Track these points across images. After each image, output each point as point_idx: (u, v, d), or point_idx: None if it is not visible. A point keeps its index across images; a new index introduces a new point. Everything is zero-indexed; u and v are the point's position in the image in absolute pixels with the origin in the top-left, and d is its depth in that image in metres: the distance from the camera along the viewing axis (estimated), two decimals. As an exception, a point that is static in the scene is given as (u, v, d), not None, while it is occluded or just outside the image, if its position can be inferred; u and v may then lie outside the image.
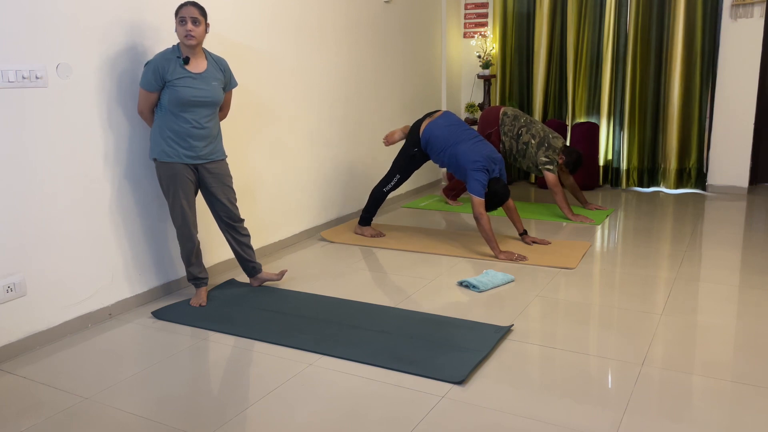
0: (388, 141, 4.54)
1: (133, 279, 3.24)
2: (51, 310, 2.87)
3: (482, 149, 4.02)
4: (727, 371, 2.43)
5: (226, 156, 3.29)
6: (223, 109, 3.30)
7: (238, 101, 3.82)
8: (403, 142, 4.55)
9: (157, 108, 3.05)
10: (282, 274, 3.51)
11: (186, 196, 3.12)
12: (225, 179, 3.25)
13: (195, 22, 2.95)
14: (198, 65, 3.04)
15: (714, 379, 2.38)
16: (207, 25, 3.03)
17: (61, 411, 2.27)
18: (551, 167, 4.79)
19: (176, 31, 2.97)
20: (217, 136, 3.20)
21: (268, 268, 3.84)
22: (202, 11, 2.99)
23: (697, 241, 4.22)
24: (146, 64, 3.00)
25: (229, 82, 3.22)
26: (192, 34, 2.94)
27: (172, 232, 3.42)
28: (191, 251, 3.23)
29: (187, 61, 3.00)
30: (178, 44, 3.04)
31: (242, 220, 3.38)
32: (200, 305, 3.22)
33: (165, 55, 3.00)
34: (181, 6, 2.96)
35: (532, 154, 4.87)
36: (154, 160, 3.09)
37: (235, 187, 3.83)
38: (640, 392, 2.29)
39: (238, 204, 3.86)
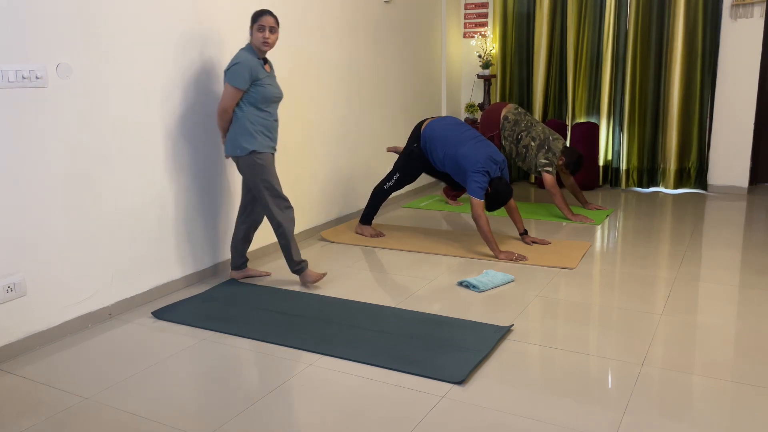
0: (392, 149, 4.73)
1: (133, 279, 3.24)
2: (51, 310, 2.86)
3: (483, 150, 4.01)
4: (727, 371, 2.43)
5: None
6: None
7: (238, 101, 3.82)
8: (402, 142, 4.56)
9: (240, 106, 3.27)
10: (266, 274, 3.68)
11: (278, 183, 3.39)
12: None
13: (272, 30, 3.25)
14: (268, 66, 3.38)
15: (714, 379, 2.38)
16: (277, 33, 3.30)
17: (61, 411, 2.27)
18: (549, 169, 4.79)
19: (252, 36, 3.25)
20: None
21: (269, 268, 3.84)
22: (277, 21, 3.29)
23: (697, 241, 4.22)
24: (236, 64, 3.20)
25: None
26: (268, 41, 3.24)
27: (171, 232, 3.42)
28: (291, 232, 3.43)
29: (265, 61, 3.34)
30: (248, 45, 3.28)
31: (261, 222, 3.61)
32: (317, 280, 3.48)
33: (249, 55, 3.24)
34: (260, 14, 3.24)
35: (532, 156, 4.88)
36: (252, 152, 3.26)
37: (235, 186, 3.85)
38: (640, 392, 2.29)
39: (238, 203, 3.87)
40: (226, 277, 3.70)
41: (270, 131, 3.35)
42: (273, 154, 3.38)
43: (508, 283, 3.48)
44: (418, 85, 5.99)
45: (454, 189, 5.33)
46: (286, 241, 3.43)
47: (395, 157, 4.80)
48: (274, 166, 3.37)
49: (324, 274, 3.52)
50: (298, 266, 3.47)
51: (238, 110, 3.27)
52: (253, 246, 4.02)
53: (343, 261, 3.98)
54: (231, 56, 3.73)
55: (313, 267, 3.86)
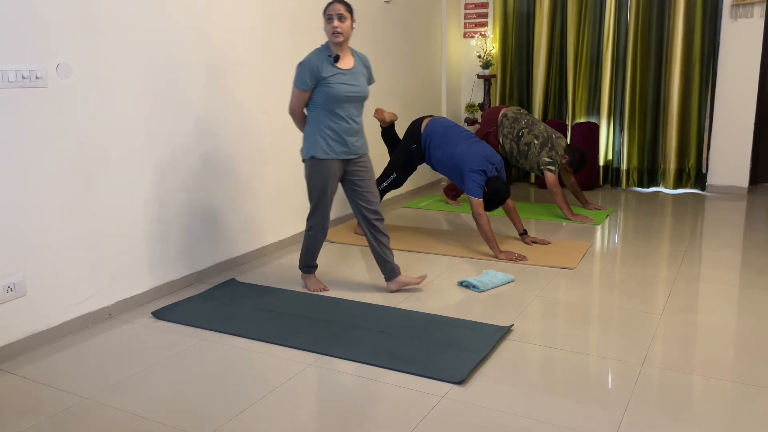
0: (379, 115, 4.49)
1: (133, 279, 3.24)
2: (51, 310, 2.87)
3: (479, 150, 4.01)
4: (727, 371, 2.43)
5: (367, 149, 3.34)
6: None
7: (239, 100, 3.82)
8: (398, 138, 4.55)
9: (309, 107, 3.15)
10: (422, 278, 3.40)
11: (332, 193, 3.24)
12: (371, 173, 3.30)
13: (341, 18, 3.02)
14: (347, 62, 3.13)
15: (714, 379, 2.38)
16: (353, 21, 3.08)
17: (61, 411, 2.27)
18: (552, 168, 4.79)
19: (324, 29, 3.06)
20: (362, 131, 3.27)
21: (270, 268, 3.84)
22: (348, 7, 3.06)
23: (697, 241, 4.22)
24: (299, 64, 3.08)
25: (370, 78, 3.27)
26: (338, 30, 3.01)
27: (171, 232, 3.42)
28: (320, 245, 3.37)
29: (337, 58, 3.08)
30: (327, 43, 3.12)
31: (383, 219, 3.35)
32: (321, 289, 3.40)
33: (317, 54, 3.09)
34: (328, 4, 3.05)
35: (535, 154, 4.87)
36: (311, 158, 3.14)
37: (235, 187, 3.85)
38: (640, 392, 2.29)
39: (238, 204, 3.88)
40: (226, 277, 3.70)
41: (339, 135, 3.13)
42: (341, 161, 3.17)
43: (508, 283, 3.48)
44: (418, 85, 5.99)
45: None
46: (305, 244, 3.38)
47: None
48: (335, 177, 3.17)
49: (326, 289, 3.42)
50: (303, 268, 3.45)
51: (308, 112, 3.18)
52: (254, 246, 4.02)
53: (343, 261, 3.98)
54: (230, 54, 3.74)
55: (313, 267, 3.87)
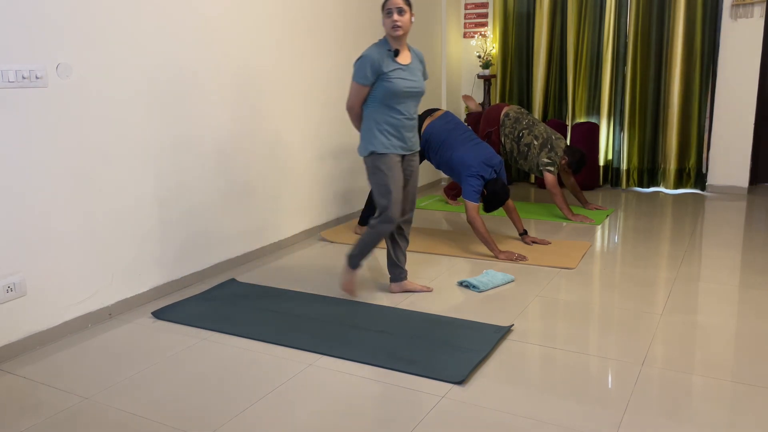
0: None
1: (133, 279, 3.24)
2: (51, 310, 2.87)
3: (479, 153, 4.00)
4: (727, 371, 2.43)
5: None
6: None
7: (239, 100, 3.82)
8: None
9: (368, 103, 3.09)
10: (427, 289, 3.39)
11: (398, 188, 3.12)
12: (416, 175, 3.29)
13: (400, 11, 2.96)
14: (405, 56, 3.08)
15: (714, 379, 2.38)
16: (412, 15, 3.03)
17: (61, 411, 2.27)
18: (552, 168, 4.79)
19: (383, 23, 3.01)
20: (417, 127, 3.23)
21: (269, 268, 3.84)
22: (407, 1, 3.00)
23: (697, 241, 4.22)
24: (359, 59, 3.02)
25: (424, 73, 3.21)
26: (398, 24, 2.96)
27: (171, 232, 3.42)
28: (380, 240, 3.20)
29: (396, 53, 3.03)
30: (385, 38, 3.06)
31: (410, 223, 3.35)
32: (347, 289, 3.31)
33: (376, 48, 3.02)
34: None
35: (534, 155, 4.87)
36: (372, 153, 3.08)
37: (235, 187, 3.85)
38: (640, 392, 2.29)
39: (238, 204, 3.88)
40: (226, 277, 3.70)
41: (398, 130, 3.08)
42: (401, 156, 3.14)
43: (508, 283, 3.48)
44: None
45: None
46: (367, 240, 3.19)
47: None
48: (397, 171, 3.10)
49: (355, 293, 3.31)
50: (353, 261, 3.26)
51: (366, 108, 3.10)
52: (254, 246, 4.02)
53: (343, 261, 3.97)
54: (229, 54, 3.74)
55: (314, 267, 3.86)
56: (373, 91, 3.05)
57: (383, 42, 3.06)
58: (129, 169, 3.17)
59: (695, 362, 2.51)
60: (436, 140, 4.21)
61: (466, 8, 6.66)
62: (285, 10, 4.15)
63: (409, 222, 3.34)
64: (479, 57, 6.38)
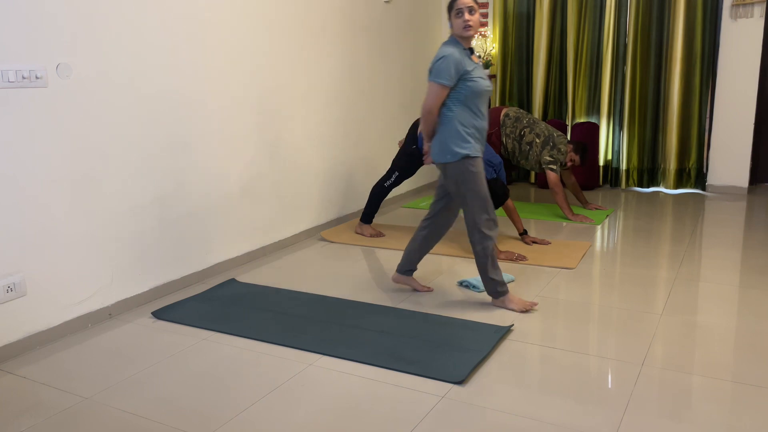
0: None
1: (133, 279, 3.24)
2: (51, 310, 2.87)
3: None
4: (727, 371, 2.43)
5: None
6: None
7: (239, 100, 3.82)
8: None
9: (448, 105, 2.94)
10: (428, 289, 3.37)
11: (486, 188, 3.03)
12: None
13: (471, 11, 2.90)
14: (475, 57, 3.02)
15: (714, 379, 2.38)
16: (481, 14, 2.93)
17: (61, 411, 2.27)
18: (554, 167, 4.79)
19: (452, 26, 2.93)
20: None
21: (269, 268, 3.84)
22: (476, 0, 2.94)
23: (697, 241, 4.22)
24: (440, 59, 2.88)
25: None
26: (470, 23, 2.89)
27: (171, 232, 3.42)
28: (492, 252, 3.05)
29: (472, 52, 2.97)
30: (451, 38, 2.97)
31: (449, 228, 3.28)
32: (529, 309, 3.07)
33: (452, 47, 2.91)
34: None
35: (536, 153, 4.87)
36: (465, 157, 2.92)
37: (234, 187, 3.85)
38: (640, 392, 2.29)
39: (237, 204, 3.88)
40: (226, 277, 3.70)
41: (480, 133, 2.97)
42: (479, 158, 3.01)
43: (508, 283, 3.47)
44: (418, 85, 5.99)
45: None
46: (484, 261, 3.03)
47: (394, 153, 4.77)
48: (483, 180, 2.99)
49: (534, 303, 3.09)
50: (497, 289, 3.09)
51: (446, 110, 2.94)
52: (254, 246, 4.02)
53: (343, 261, 3.98)
54: (229, 54, 3.74)
55: (314, 267, 3.86)
56: (455, 92, 2.91)
57: (453, 41, 2.94)
58: (129, 169, 3.17)
59: (695, 362, 2.51)
60: None
61: (466, 8, 6.65)
62: (285, 11, 4.15)
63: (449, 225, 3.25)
64: (479, 57, 6.38)
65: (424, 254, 3.33)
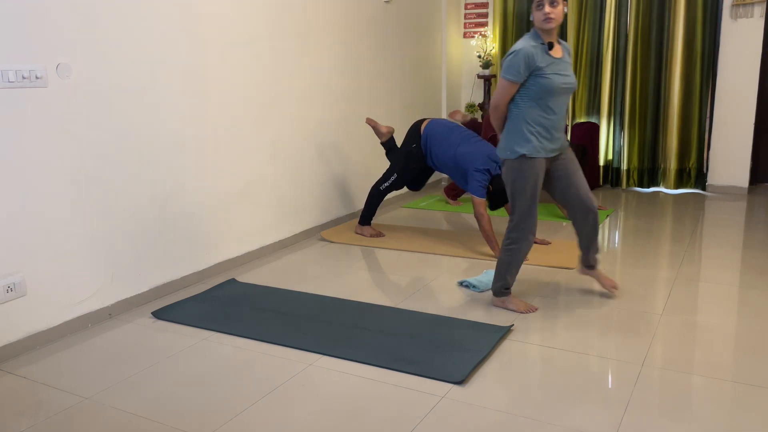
0: (371, 122, 4.50)
1: (133, 279, 3.24)
2: (51, 310, 2.86)
3: (483, 149, 4.02)
4: (727, 371, 2.43)
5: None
6: None
7: (239, 100, 3.82)
8: (397, 140, 4.55)
9: (516, 102, 2.88)
10: (613, 285, 3.22)
11: (533, 197, 2.94)
12: (576, 163, 3.03)
13: (552, 3, 2.81)
14: (557, 50, 2.91)
15: (714, 379, 2.38)
16: (565, 6, 2.87)
17: (61, 411, 2.27)
18: None
19: (533, 16, 2.86)
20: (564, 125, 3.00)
21: (269, 268, 3.84)
22: None
23: (697, 241, 4.22)
24: (510, 54, 2.83)
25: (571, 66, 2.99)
26: (551, 16, 2.80)
27: (171, 232, 3.42)
28: (524, 255, 3.03)
29: (551, 46, 2.86)
30: (533, 30, 2.90)
31: (596, 211, 3.05)
32: (526, 310, 3.04)
33: (528, 41, 2.85)
34: None
35: None
36: (521, 156, 2.86)
37: (234, 187, 3.84)
38: (640, 392, 2.29)
39: (238, 204, 3.88)
40: (226, 277, 3.70)
41: (549, 132, 2.88)
42: (547, 159, 2.92)
43: (508, 283, 3.47)
44: (418, 85, 5.99)
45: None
46: (508, 261, 3.03)
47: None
48: (541, 178, 2.92)
49: (534, 308, 3.08)
50: (502, 290, 3.09)
51: (513, 107, 2.89)
52: (254, 246, 4.02)
53: (343, 261, 3.98)
54: (229, 54, 3.74)
55: (314, 267, 3.86)
56: (525, 88, 2.84)
57: (533, 35, 2.87)
58: (129, 169, 3.17)
59: (695, 362, 2.51)
60: (437, 138, 4.21)
61: (466, 8, 6.66)
62: (285, 11, 4.15)
63: (593, 211, 3.04)
64: (479, 57, 6.38)
65: (590, 244, 3.14)
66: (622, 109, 5.97)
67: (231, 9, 3.72)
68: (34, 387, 2.45)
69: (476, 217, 3.93)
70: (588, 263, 3.22)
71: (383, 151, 5.38)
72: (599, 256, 3.26)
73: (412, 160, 4.39)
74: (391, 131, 4.58)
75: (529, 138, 2.86)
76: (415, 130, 4.39)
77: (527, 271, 3.68)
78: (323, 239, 4.48)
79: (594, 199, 3.04)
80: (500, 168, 3.99)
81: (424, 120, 4.41)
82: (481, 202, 3.92)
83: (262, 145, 4.05)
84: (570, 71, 2.92)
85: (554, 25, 2.82)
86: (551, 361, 2.56)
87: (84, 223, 2.97)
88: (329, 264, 3.92)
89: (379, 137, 4.59)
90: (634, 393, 2.29)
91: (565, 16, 5.95)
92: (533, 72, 2.81)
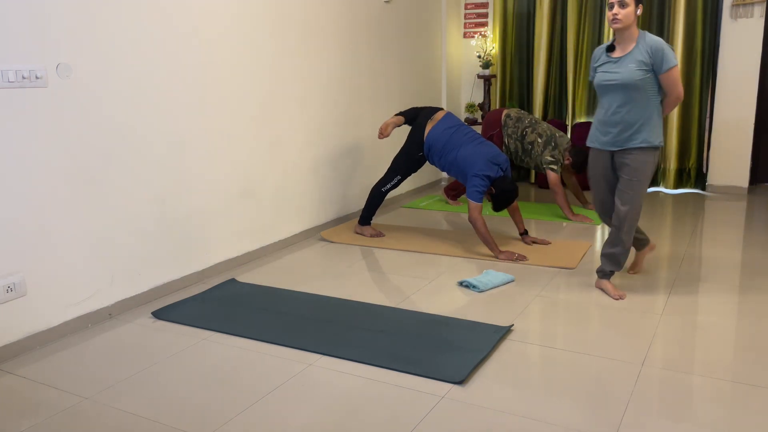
0: (383, 134, 4.37)
1: (133, 279, 3.24)
2: (51, 310, 2.87)
3: (484, 152, 3.99)
4: (727, 371, 2.43)
5: (650, 145, 3.05)
6: (668, 94, 3.07)
7: (239, 100, 3.82)
8: (401, 140, 4.55)
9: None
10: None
11: (596, 182, 3.26)
12: (629, 172, 3.09)
13: (621, 5, 2.97)
14: (623, 49, 3.05)
15: (714, 379, 2.38)
16: (638, 7, 2.99)
17: (61, 411, 2.27)
18: (555, 167, 4.80)
19: (607, 16, 3.05)
20: (639, 125, 3.03)
21: (269, 268, 3.84)
22: None
23: (697, 241, 4.22)
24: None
25: (659, 65, 2.98)
26: (617, 17, 2.97)
27: (171, 232, 3.42)
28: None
29: (611, 47, 3.09)
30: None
31: (621, 229, 3.17)
32: (620, 296, 3.23)
33: (605, 44, 3.16)
34: None
35: (538, 152, 4.88)
36: (588, 147, 3.28)
37: (234, 187, 3.84)
38: (640, 392, 2.29)
39: (238, 204, 3.87)
40: (226, 277, 3.70)
41: (602, 125, 3.11)
42: (605, 151, 3.14)
43: (508, 283, 3.47)
44: (418, 85, 5.99)
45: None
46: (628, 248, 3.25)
47: (395, 151, 4.71)
48: (598, 167, 3.20)
49: (623, 296, 3.21)
50: (609, 272, 3.30)
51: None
52: (254, 246, 4.02)
53: (343, 261, 3.98)
54: (229, 54, 3.74)
55: (314, 267, 3.86)
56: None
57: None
58: (129, 169, 3.17)
59: (695, 362, 2.51)
60: (439, 144, 4.20)
61: (466, 8, 6.66)
62: (285, 12, 4.15)
63: (618, 225, 3.17)
64: (479, 57, 6.38)
65: (640, 235, 3.49)
66: (622, 109, 5.96)
67: (231, 9, 3.71)
68: (34, 387, 2.45)
69: (470, 221, 3.93)
70: (639, 246, 3.54)
71: (383, 151, 5.38)
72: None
73: (416, 163, 4.40)
74: (399, 121, 4.45)
75: (592, 130, 3.22)
76: (418, 135, 4.33)
77: (527, 271, 3.68)
78: (323, 239, 4.48)
79: (625, 209, 3.15)
80: (502, 170, 3.99)
81: (427, 122, 4.33)
82: (476, 206, 3.91)
83: (262, 145, 4.05)
84: (622, 69, 3.02)
85: (620, 26, 2.99)
86: (551, 361, 2.56)
87: (84, 223, 2.97)
88: (329, 264, 3.92)
89: (398, 125, 4.46)
90: (634, 393, 2.29)
91: (565, 16, 6.00)
92: (595, 69, 3.16)
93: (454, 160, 4.08)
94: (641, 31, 3.06)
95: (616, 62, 3.04)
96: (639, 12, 2.99)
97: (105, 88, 3.01)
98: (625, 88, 3.01)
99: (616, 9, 2.96)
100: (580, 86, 6.11)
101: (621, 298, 3.21)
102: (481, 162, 3.93)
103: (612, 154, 3.14)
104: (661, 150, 5.87)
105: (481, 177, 3.90)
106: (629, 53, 3.02)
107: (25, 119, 2.69)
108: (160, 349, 2.76)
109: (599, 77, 3.09)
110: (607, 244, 3.27)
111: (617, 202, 3.15)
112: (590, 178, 3.29)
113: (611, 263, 3.27)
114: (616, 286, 3.30)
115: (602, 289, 3.32)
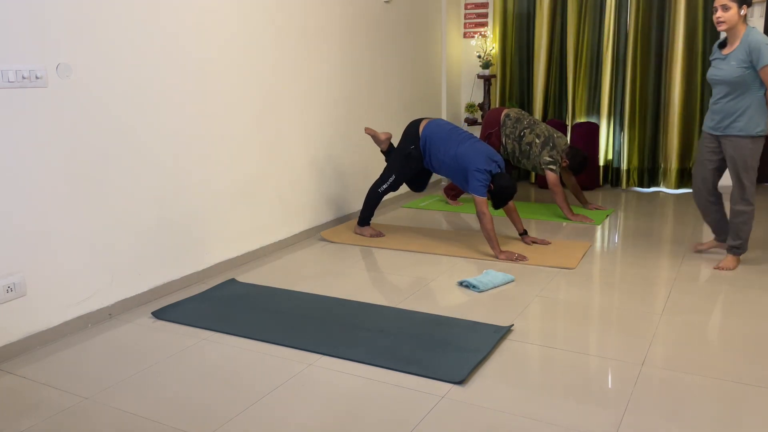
0: (370, 131, 4.50)
1: (133, 279, 3.24)
2: (51, 310, 2.86)
3: (482, 149, 4.03)
4: (727, 371, 2.43)
5: (747, 134, 3.41)
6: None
7: (239, 100, 3.82)
8: (394, 142, 4.55)
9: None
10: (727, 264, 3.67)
11: (700, 161, 3.66)
12: (731, 159, 3.49)
13: (724, 8, 3.32)
14: (731, 46, 3.41)
15: (714, 379, 2.38)
16: (742, 8, 3.31)
17: (61, 411, 2.27)
18: (554, 167, 4.80)
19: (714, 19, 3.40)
20: (737, 115, 3.41)
21: (269, 268, 3.84)
22: None
23: (697, 241, 4.21)
24: None
25: (756, 61, 3.30)
26: (720, 20, 3.34)
27: (171, 232, 3.42)
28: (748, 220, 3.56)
29: (722, 45, 3.47)
30: None
31: (720, 203, 3.73)
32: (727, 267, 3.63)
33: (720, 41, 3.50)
34: None
35: (536, 153, 4.88)
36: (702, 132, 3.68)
37: (234, 186, 3.84)
38: (640, 392, 2.29)
39: (237, 203, 3.87)
40: (226, 277, 3.70)
41: (710, 111, 3.55)
42: (710, 135, 3.56)
43: (508, 283, 3.48)
44: (418, 85, 5.99)
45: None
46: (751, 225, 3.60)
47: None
48: (702, 147, 3.62)
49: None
50: (739, 249, 3.61)
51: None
52: (254, 246, 4.02)
53: (343, 261, 3.98)
54: (229, 54, 3.74)
55: (314, 267, 3.87)
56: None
57: None
58: (129, 169, 3.17)
59: (695, 362, 2.51)
60: (437, 140, 4.21)
61: (466, 8, 6.66)
62: (285, 11, 4.15)
63: (719, 203, 3.72)
64: (479, 57, 6.38)
65: (723, 217, 3.81)
66: (622, 108, 5.96)
67: (231, 9, 3.71)
68: (34, 387, 2.45)
69: (478, 216, 3.93)
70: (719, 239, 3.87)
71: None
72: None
73: (411, 161, 4.38)
74: (389, 137, 4.56)
75: (706, 114, 3.60)
76: (413, 130, 4.37)
77: (527, 271, 3.68)
78: (323, 239, 4.48)
79: (739, 194, 3.55)
80: (499, 167, 4.00)
81: (421, 120, 4.39)
82: (482, 200, 3.92)
83: (262, 145, 4.05)
84: (726, 66, 3.40)
85: (724, 28, 3.35)
86: (551, 361, 2.56)
87: (84, 223, 2.97)
88: (329, 264, 3.92)
89: (378, 145, 4.58)
90: (634, 393, 2.29)
91: (565, 16, 5.99)
92: (710, 63, 3.54)
93: (453, 156, 4.09)
94: (749, 27, 3.36)
95: (723, 59, 3.40)
96: (743, 12, 3.28)
97: (105, 88, 3.02)
98: (724, 83, 3.41)
99: (719, 13, 3.31)
100: (580, 86, 6.11)
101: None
102: (481, 158, 3.95)
103: (718, 139, 3.53)
104: (662, 150, 5.88)
105: (482, 171, 3.92)
106: (734, 51, 3.37)
107: (25, 119, 2.69)
108: (160, 349, 2.76)
109: (709, 72, 3.50)
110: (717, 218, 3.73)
111: (737, 186, 3.52)
112: (696, 157, 3.69)
113: (732, 237, 3.62)
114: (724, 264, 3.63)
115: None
